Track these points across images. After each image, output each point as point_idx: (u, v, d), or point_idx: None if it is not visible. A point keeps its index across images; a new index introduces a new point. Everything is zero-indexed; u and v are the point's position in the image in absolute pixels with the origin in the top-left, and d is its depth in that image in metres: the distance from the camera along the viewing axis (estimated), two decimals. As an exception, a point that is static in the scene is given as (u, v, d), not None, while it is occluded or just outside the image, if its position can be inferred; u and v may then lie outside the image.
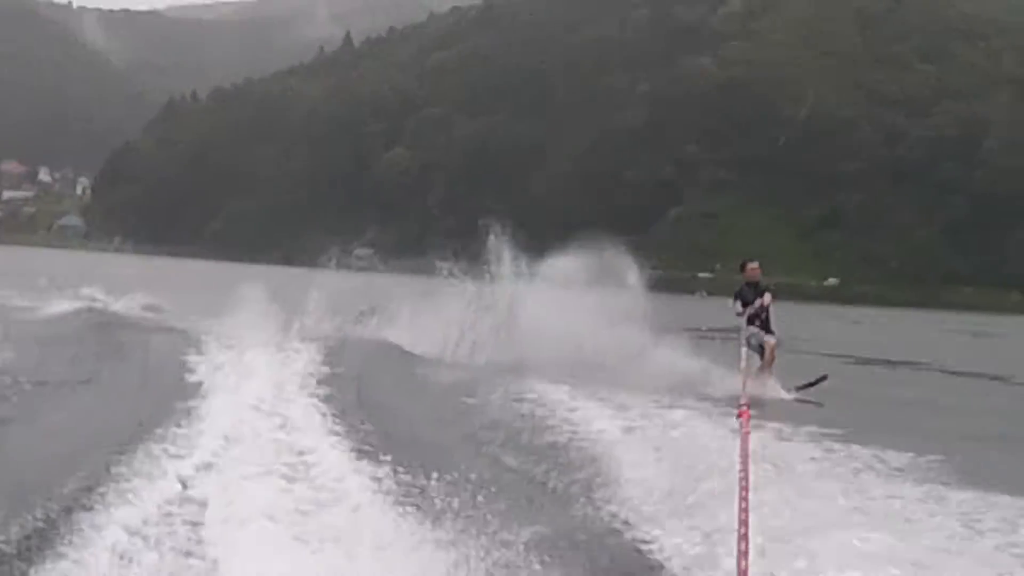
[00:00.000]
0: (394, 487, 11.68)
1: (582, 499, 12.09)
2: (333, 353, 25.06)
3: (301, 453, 13.42)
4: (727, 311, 25.12)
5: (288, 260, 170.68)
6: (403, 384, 23.39)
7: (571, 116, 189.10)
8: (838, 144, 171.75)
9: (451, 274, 30.31)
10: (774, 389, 23.50)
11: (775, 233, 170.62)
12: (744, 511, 7.48)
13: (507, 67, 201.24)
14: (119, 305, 38.71)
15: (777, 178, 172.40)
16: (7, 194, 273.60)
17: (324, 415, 16.77)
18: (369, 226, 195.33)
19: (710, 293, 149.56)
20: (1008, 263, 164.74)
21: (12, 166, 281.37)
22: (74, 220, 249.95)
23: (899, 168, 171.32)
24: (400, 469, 12.48)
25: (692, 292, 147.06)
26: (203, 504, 10.57)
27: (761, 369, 23.93)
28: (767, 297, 24.24)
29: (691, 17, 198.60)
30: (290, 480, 12.04)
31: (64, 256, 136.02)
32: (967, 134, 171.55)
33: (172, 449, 13.22)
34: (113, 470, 11.66)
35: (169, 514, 10.18)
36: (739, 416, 10.80)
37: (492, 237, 31.35)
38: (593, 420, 17.50)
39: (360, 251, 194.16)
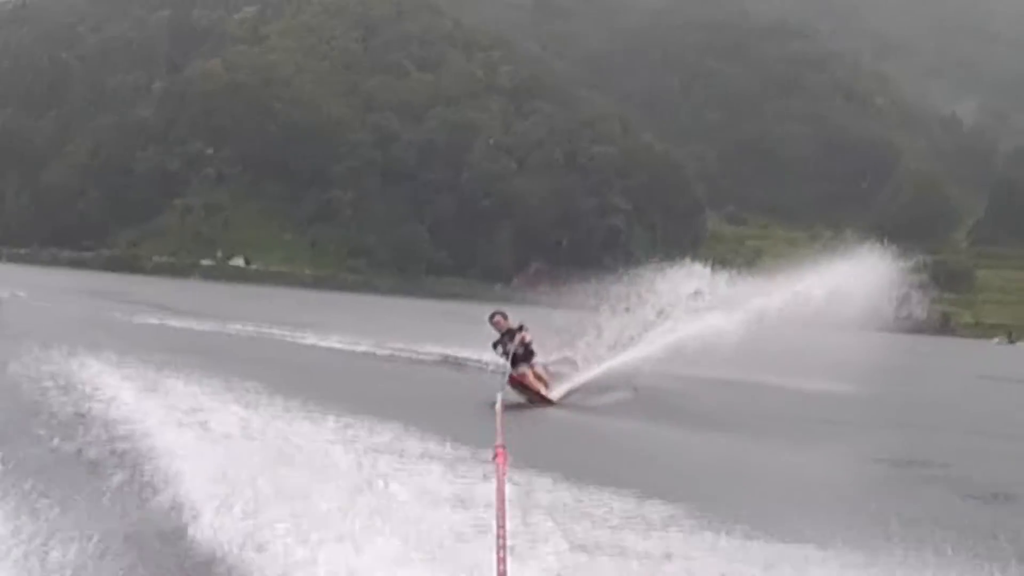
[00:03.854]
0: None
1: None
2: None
3: None
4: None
5: None
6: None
7: (89, 110, 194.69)
8: (334, 144, 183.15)
9: None
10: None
11: (273, 225, 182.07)
12: (502, 561, 7.30)
13: (34, 61, 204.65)
14: None
15: (276, 174, 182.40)
16: None
17: None
18: None
19: (205, 278, 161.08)
20: (490, 257, 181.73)
21: None
22: None
23: (391, 168, 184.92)
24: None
25: (188, 277, 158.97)
26: None
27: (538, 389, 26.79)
28: (526, 335, 26.64)
29: (206, 21, 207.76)
30: None
31: None
32: (456, 139, 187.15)
33: None
34: None
35: None
36: (495, 458, 10.19)
37: None
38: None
39: None
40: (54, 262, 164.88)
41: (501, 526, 7.94)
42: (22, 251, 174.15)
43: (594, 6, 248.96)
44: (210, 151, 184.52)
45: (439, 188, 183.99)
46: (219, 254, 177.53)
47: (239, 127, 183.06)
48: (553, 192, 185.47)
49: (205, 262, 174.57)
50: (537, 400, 26.58)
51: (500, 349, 26.58)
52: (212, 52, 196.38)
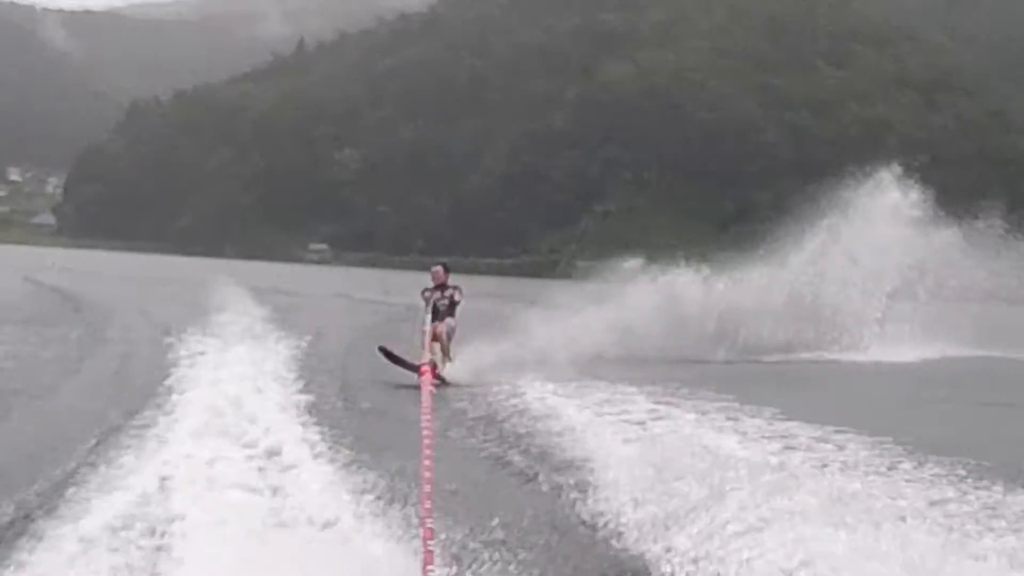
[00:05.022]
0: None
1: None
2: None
3: (271, 453, 13.59)
4: None
5: (248, 255, 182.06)
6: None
7: (503, 118, 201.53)
8: (748, 144, 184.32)
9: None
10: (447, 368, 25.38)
11: (690, 227, 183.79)
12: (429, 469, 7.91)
13: (446, 72, 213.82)
14: None
15: (692, 176, 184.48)
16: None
17: (300, 409, 17.44)
18: (322, 223, 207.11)
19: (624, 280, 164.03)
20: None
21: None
22: (47, 218, 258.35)
23: (806, 166, 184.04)
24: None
25: (607, 280, 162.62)
26: (169, 515, 10.46)
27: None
28: (456, 294, 26.00)
29: (616, 24, 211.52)
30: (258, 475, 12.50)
31: (58, 253, 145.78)
32: (869, 134, 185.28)
33: (143, 447, 13.51)
34: (81, 470, 12.06)
35: (130, 523, 10.06)
36: (421, 373, 13.16)
37: None
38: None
39: (314, 246, 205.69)
40: (474, 269, 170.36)
41: (427, 437, 9.05)
42: (443, 259, 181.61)
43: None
44: (626, 155, 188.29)
45: (855, 184, 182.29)
46: (636, 257, 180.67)
47: (654, 130, 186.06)
48: (965, 185, 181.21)
49: (626, 264, 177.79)
50: (409, 370, 24.14)
51: (427, 295, 26.11)
52: (623, 56, 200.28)
